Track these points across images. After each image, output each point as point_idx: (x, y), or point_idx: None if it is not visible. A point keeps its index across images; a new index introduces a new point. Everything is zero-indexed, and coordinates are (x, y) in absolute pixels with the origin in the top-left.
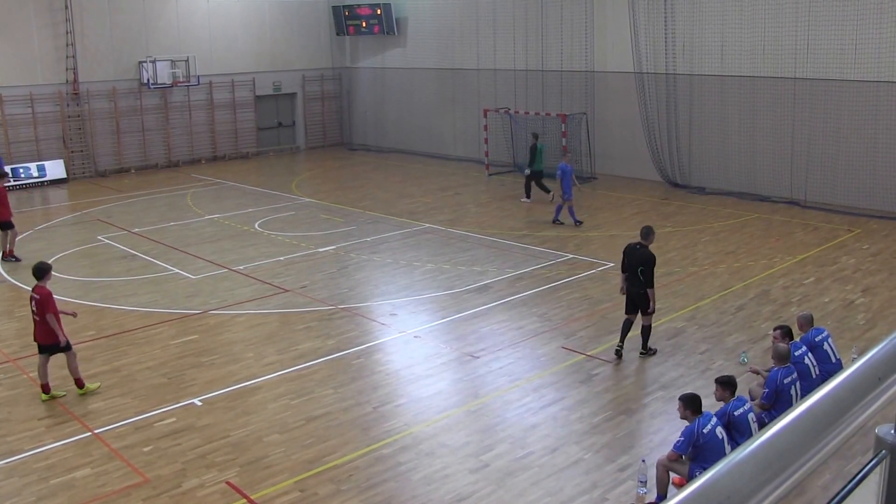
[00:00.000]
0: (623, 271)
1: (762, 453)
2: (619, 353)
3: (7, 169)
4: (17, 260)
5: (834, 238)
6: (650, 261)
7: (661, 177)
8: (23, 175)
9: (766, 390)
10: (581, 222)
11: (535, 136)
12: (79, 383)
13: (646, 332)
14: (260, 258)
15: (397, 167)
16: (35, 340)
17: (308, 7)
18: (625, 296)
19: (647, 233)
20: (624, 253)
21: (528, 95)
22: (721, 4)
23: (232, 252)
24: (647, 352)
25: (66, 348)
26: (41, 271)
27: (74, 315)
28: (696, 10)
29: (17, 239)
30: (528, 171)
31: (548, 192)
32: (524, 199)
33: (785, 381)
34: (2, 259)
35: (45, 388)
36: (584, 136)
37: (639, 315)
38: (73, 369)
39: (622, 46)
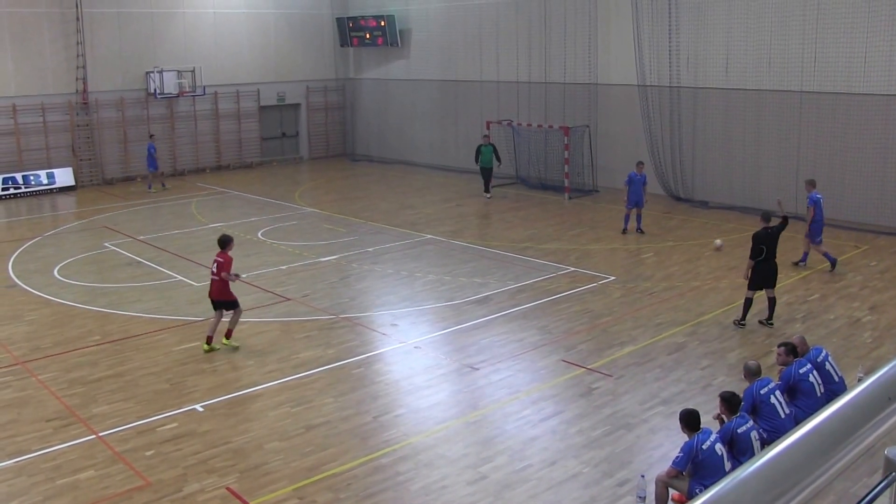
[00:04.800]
0: (755, 257)
1: (767, 472)
2: (771, 323)
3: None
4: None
5: (840, 254)
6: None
7: (664, 190)
8: (33, 182)
9: (744, 403)
10: (641, 232)
11: (485, 137)
12: (228, 333)
13: (773, 303)
14: (262, 267)
15: (400, 178)
16: (210, 297)
17: (312, 19)
18: (749, 279)
19: (769, 216)
20: (758, 239)
21: (531, 108)
22: (726, 16)
23: (235, 260)
24: (768, 321)
25: (235, 305)
26: (224, 242)
27: (237, 278)
28: (701, 22)
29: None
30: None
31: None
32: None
33: (762, 392)
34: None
35: (209, 340)
36: (586, 148)
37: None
38: (232, 321)
39: (626, 59)
